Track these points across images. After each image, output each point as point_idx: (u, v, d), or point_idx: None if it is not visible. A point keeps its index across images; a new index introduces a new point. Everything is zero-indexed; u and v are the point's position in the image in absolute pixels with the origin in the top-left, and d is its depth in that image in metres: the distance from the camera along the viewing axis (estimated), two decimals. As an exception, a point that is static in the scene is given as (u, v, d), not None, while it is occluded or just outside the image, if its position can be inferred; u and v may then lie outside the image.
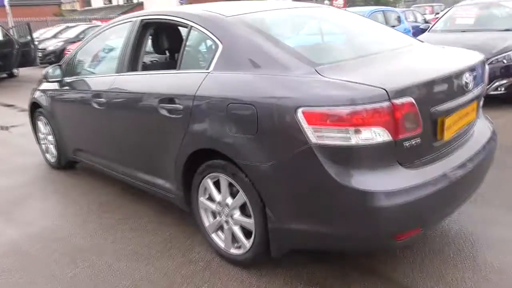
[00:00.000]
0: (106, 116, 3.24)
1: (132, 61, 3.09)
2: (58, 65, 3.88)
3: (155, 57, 3.87)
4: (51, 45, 15.65)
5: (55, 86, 3.98)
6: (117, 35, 3.53)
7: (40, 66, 13.87)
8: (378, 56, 2.35)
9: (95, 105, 3.31)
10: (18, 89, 10.80)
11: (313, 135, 1.87)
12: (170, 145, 2.66)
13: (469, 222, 2.84)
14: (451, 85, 2.10)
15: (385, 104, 1.79)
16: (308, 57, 2.16)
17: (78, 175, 4.29)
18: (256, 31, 2.39)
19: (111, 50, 3.73)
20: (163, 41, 3.27)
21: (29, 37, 12.51)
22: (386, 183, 1.84)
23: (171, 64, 3.09)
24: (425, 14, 19.62)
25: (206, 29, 2.53)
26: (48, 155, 4.59)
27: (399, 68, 2.17)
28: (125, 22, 3.27)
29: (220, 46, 2.40)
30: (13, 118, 7.31)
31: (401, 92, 1.84)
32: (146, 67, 3.44)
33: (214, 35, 2.46)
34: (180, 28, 3.16)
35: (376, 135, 1.81)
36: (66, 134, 4.07)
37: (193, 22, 2.62)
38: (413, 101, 1.86)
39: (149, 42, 3.31)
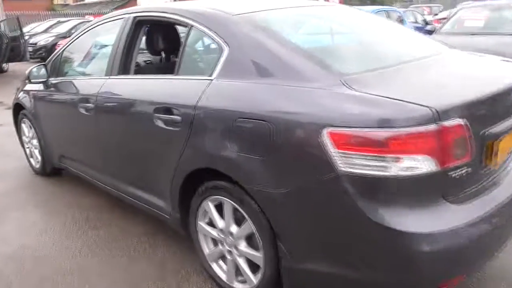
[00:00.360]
0: (94, 123, 2.90)
1: (124, 63, 2.75)
2: (43, 64, 3.53)
3: (150, 57, 3.53)
4: (42, 40, 15.23)
5: (39, 87, 3.63)
6: (107, 33, 3.18)
7: (30, 61, 13.44)
8: (410, 65, 2.02)
9: (82, 111, 2.96)
10: (6, 85, 10.35)
11: (341, 161, 1.55)
12: (166, 160, 2.33)
13: None
14: (505, 102, 1.78)
15: (433, 126, 1.46)
16: (331, 65, 1.84)
17: (64, 183, 3.93)
18: (268, 33, 2.07)
19: (100, 50, 3.38)
20: (159, 41, 2.93)
21: (18, 32, 12.06)
22: (430, 222, 1.51)
23: (168, 67, 2.75)
24: (423, 15, 19.34)
25: (209, 29, 2.19)
26: (32, 160, 4.23)
27: (441, 81, 1.84)
28: (116, 19, 2.93)
29: (226, 50, 2.07)
30: (-1, 116, 6.92)
31: (450, 112, 1.51)
32: (139, 70, 3.08)
33: (218, 36, 2.13)
34: (178, 27, 2.82)
35: (420, 164, 1.48)
36: (51, 139, 3.72)
37: (194, 21, 2.29)
38: (465, 122, 1.54)
39: (143, 42, 2.96)
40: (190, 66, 2.40)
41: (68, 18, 18.90)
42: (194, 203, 2.26)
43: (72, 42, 3.44)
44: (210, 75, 2.10)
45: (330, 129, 1.58)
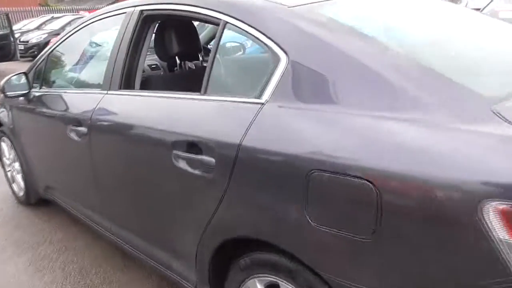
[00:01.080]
0: (88, 152, 2.18)
1: (127, 74, 2.05)
2: (23, 73, 2.80)
3: (157, 61, 2.80)
4: (34, 37, 14.44)
5: (21, 100, 2.90)
6: (105, 32, 2.47)
7: (20, 60, 12.68)
8: None
9: (73, 136, 2.25)
10: (-6, 87, 9.60)
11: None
12: (190, 217, 1.64)
13: None
14: None
15: None
16: (468, 86, 1.14)
17: (53, 217, 3.21)
18: (354, 34, 1.36)
19: (95, 55, 2.66)
20: (174, 44, 2.21)
21: (8, 29, 11.30)
22: None
23: (188, 80, 2.02)
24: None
25: (254, 29, 1.48)
26: (15, 186, 3.51)
27: None
28: (117, 14, 2.21)
29: (284, 59, 1.36)
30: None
31: None
32: (148, 83, 2.33)
33: (270, 39, 1.42)
34: (203, 24, 2.10)
35: None
36: (34, 165, 3.00)
37: (230, 15, 1.57)
38: None
39: (152, 44, 2.25)
40: (226, 81, 1.68)
41: (63, 14, 18.06)
42: (233, 280, 1.57)
43: (59, 43, 2.71)
44: (259, 96, 1.40)
45: (498, 204, 0.89)
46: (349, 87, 1.23)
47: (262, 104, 1.37)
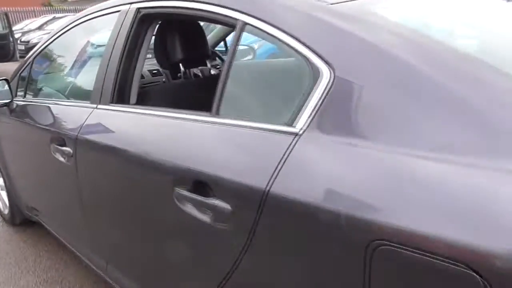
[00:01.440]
0: (75, 177, 1.82)
1: (120, 85, 1.68)
2: (5, 79, 2.44)
3: (163, 70, 2.42)
4: (35, 38, 14.13)
5: (2, 110, 2.54)
6: (97, 34, 2.11)
7: (20, 60, 12.36)
8: None
9: (58, 156, 1.89)
10: (-8, 89, 9.28)
11: None
12: (198, 271, 1.27)
13: None
14: None
15: None
16: None
17: (41, 240, 2.85)
18: (429, 42, 0.99)
19: (85, 60, 2.29)
20: (178, 49, 1.85)
21: (7, 29, 11.02)
22: None
23: (195, 92, 1.64)
24: None
25: (285, 33, 1.11)
26: (0, 204, 3.16)
27: None
28: (110, 12, 1.85)
29: (326, 75, 1.00)
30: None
31: None
32: (145, 95, 1.92)
33: (309, 48, 1.05)
34: (208, 24, 1.73)
35: None
36: (18, 183, 2.65)
37: (251, 15, 1.20)
38: None
39: (149, 48, 1.89)
40: (244, 99, 1.30)
41: (65, 14, 17.74)
42: None
43: (45, 46, 2.35)
44: (292, 123, 1.03)
45: None
46: (428, 119, 0.86)
47: (296, 134, 1.00)
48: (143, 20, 1.66)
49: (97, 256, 1.95)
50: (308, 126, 0.99)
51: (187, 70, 2.13)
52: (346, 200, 0.86)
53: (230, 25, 1.28)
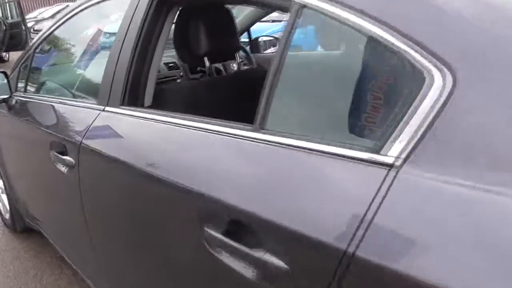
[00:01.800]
0: (77, 190, 1.52)
1: (132, 83, 1.36)
2: (3, 72, 2.15)
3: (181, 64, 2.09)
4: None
5: (0, 106, 2.26)
6: (106, 21, 1.80)
7: (33, 50, 12.22)
8: None
9: (59, 166, 1.59)
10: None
11: None
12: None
13: None
14: None
15: None
16: None
17: (43, 251, 2.57)
18: None
19: (92, 51, 1.98)
20: (203, 40, 1.53)
21: (19, 17, 10.86)
22: None
23: (226, 94, 1.31)
24: None
25: (370, 19, 0.77)
26: (1, 207, 2.89)
27: None
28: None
29: (439, 80, 0.67)
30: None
31: None
32: (162, 96, 1.55)
33: (406, 39, 0.71)
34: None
35: None
36: (18, 189, 2.37)
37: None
38: None
39: (168, 39, 1.56)
40: (302, 110, 0.95)
41: (78, 2, 17.60)
42: None
43: (48, 35, 2.06)
44: (380, 149, 0.70)
45: None
46: None
47: (391, 166, 0.67)
48: (161, 4, 1.34)
49: (102, 278, 1.66)
50: (407, 155, 0.67)
51: (211, 65, 1.79)
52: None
53: (282, 8, 0.94)
